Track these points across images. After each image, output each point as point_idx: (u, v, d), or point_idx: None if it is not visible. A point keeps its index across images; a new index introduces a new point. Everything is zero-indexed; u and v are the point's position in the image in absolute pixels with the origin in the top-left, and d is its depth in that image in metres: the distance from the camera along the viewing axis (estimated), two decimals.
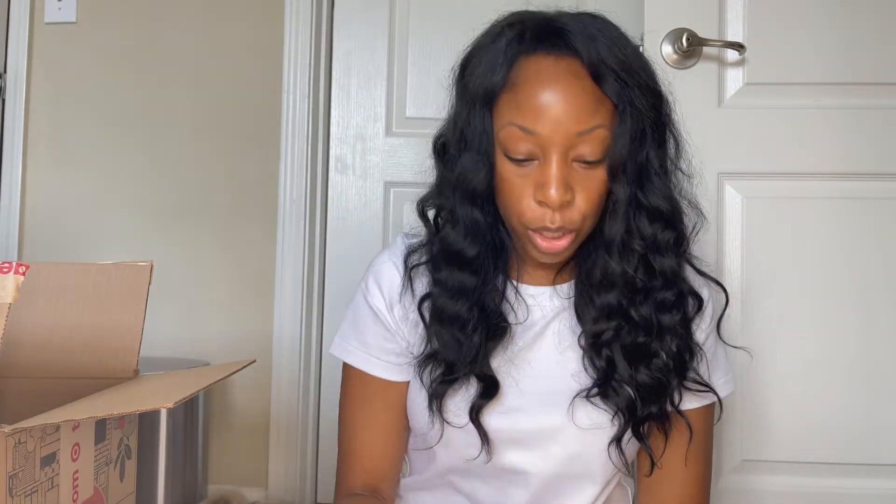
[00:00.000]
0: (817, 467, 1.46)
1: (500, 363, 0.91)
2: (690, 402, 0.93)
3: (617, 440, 0.90)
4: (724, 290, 0.96)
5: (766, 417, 1.46)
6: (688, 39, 1.45)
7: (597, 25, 0.85)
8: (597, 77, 0.81)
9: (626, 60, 0.83)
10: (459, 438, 0.91)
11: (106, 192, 1.85)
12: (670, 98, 0.90)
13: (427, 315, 0.91)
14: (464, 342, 0.89)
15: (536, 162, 0.82)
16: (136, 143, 1.84)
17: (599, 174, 0.83)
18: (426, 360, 0.91)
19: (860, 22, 1.46)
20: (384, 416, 0.97)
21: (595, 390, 0.89)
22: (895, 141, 1.45)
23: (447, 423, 0.91)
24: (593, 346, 0.90)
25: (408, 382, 0.96)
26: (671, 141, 0.90)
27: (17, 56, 1.85)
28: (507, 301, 0.91)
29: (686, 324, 0.91)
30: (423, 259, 0.93)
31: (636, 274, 0.87)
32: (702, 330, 0.94)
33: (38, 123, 1.87)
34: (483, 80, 0.85)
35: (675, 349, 0.89)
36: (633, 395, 0.88)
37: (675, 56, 1.47)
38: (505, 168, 0.84)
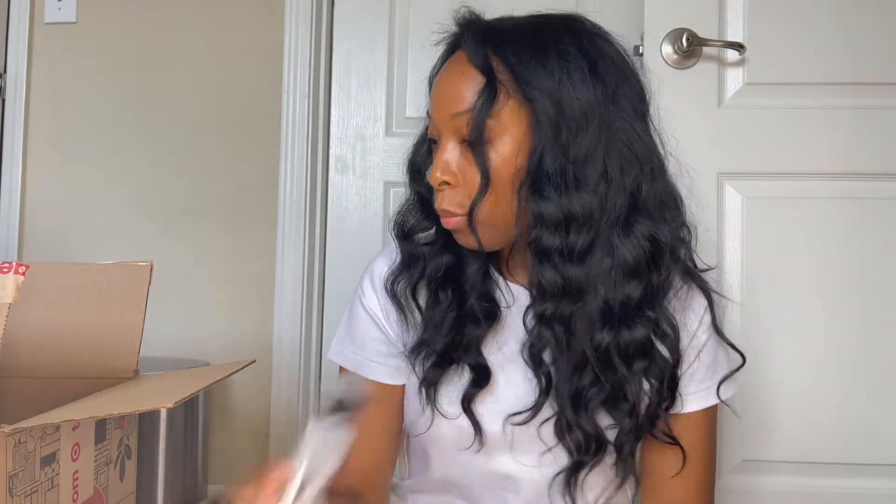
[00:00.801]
0: (817, 467, 1.46)
1: (492, 356, 0.90)
2: (692, 405, 0.93)
3: (567, 477, 0.88)
4: (709, 295, 0.92)
5: (766, 417, 1.46)
6: (688, 39, 1.44)
7: (522, 25, 0.85)
8: (475, 64, 0.82)
9: (527, 56, 0.81)
10: (450, 431, 0.90)
11: (106, 192, 1.85)
12: (650, 96, 0.87)
13: (422, 301, 0.92)
14: (445, 320, 0.89)
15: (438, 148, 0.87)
16: (136, 142, 1.84)
17: (483, 155, 0.81)
18: (417, 347, 0.91)
19: (860, 22, 1.46)
20: (376, 420, 0.95)
21: (544, 418, 0.87)
22: (895, 141, 1.45)
23: (439, 413, 0.90)
24: (532, 357, 0.87)
25: (403, 386, 0.96)
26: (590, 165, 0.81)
27: (17, 56, 1.85)
28: (496, 286, 0.91)
29: (654, 362, 0.86)
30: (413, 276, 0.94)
31: (546, 281, 0.82)
32: (702, 330, 0.93)
33: (38, 123, 1.87)
34: (429, 80, 0.93)
35: (646, 392, 0.86)
36: (582, 439, 0.85)
37: (675, 56, 1.47)
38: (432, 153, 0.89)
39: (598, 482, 0.92)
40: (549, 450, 0.89)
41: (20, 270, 0.73)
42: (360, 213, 1.83)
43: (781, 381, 1.46)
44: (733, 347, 0.94)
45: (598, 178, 0.80)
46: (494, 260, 0.93)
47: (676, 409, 0.90)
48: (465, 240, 0.86)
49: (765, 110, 1.47)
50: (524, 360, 0.88)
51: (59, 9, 1.86)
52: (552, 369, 0.86)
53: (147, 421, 1.55)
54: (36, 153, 1.86)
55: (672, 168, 0.88)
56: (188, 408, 1.65)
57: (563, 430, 0.86)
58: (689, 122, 1.46)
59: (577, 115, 0.80)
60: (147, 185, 1.84)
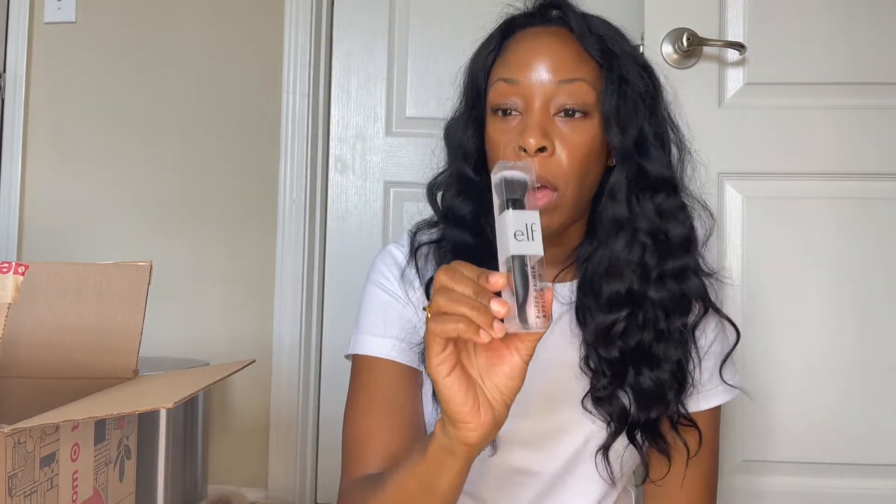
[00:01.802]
0: (817, 467, 1.46)
1: None
2: (698, 405, 0.93)
3: (605, 449, 0.89)
4: (707, 295, 0.92)
5: (766, 417, 1.46)
6: (688, 39, 1.45)
7: (599, 20, 0.90)
8: (581, 39, 0.86)
9: (613, 34, 0.88)
10: None
11: (106, 192, 1.85)
12: (667, 91, 0.92)
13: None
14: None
15: (519, 117, 0.85)
16: (136, 142, 1.84)
17: (585, 130, 0.84)
18: None
19: (860, 22, 1.46)
20: (394, 401, 0.91)
21: (590, 395, 0.88)
22: (895, 141, 1.45)
23: None
24: (606, 339, 0.87)
25: (421, 374, 0.94)
26: (668, 129, 0.91)
27: (17, 56, 1.85)
28: None
29: (688, 333, 0.89)
30: (429, 238, 0.94)
31: (644, 254, 0.86)
32: (711, 329, 0.94)
33: (38, 123, 1.87)
34: (479, 56, 0.91)
35: (676, 363, 0.88)
36: (627, 403, 0.87)
37: (675, 56, 1.47)
38: (492, 126, 0.87)
39: (628, 458, 0.92)
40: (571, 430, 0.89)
41: (20, 270, 0.73)
42: (360, 213, 1.83)
43: (781, 381, 1.46)
44: (730, 322, 0.94)
45: (668, 151, 0.90)
46: None
47: (691, 392, 0.91)
48: (553, 219, 0.85)
49: (765, 110, 1.47)
50: (589, 342, 0.89)
51: (59, 9, 1.86)
52: (618, 344, 0.87)
53: (147, 421, 1.55)
54: (36, 153, 1.86)
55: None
56: (188, 408, 1.65)
57: (609, 397, 0.87)
58: (690, 122, 1.45)
59: (650, 98, 0.88)
60: (147, 184, 1.84)
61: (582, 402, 0.89)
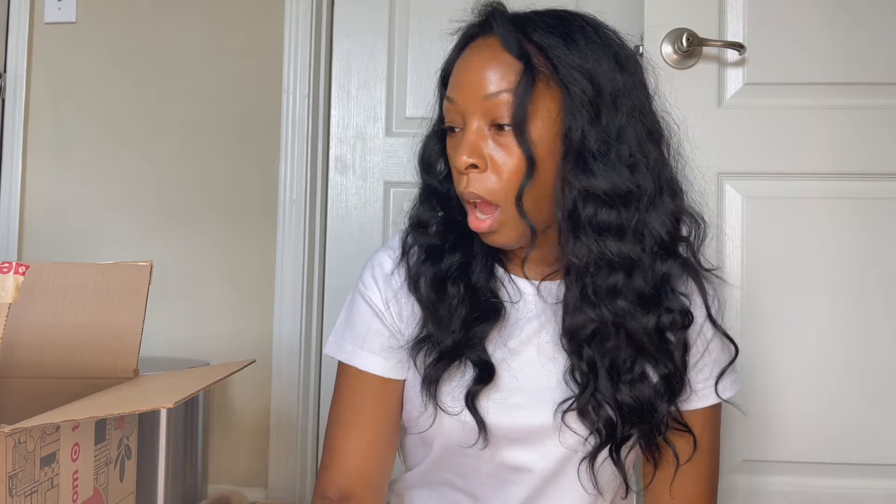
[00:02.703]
0: (817, 467, 1.46)
1: (496, 352, 0.90)
2: (698, 402, 0.93)
3: (590, 459, 0.89)
4: (703, 287, 0.91)
5: (765, 417, 1.46)
6: (688, 39, 1.45)
7: (545, 16, 0.87)
8: (506, 45, 0.83)
9: (561, 40, 0.83)
10: (453, 427, 0.90)
11: (106, 192, 1.85)
12: (653, 91, 0.89)
13: (424, 295, 0.91)
14: (454, 317, 0.88)
15: (462, 133, 0.85)
16: (136, 143, 1.85)
17: (513, 143, 0.82)
18: (420, 342, 0.91)
19: (860, 22, 1.46)
20: (374, 416, 0.94)
21: (573, 404, 0.87)
22: (894, 141, 1.45)
23: (442, 409, 0.90)
24: (573, 344, 0.87)
25: (403, 382, 0.95)
26: (633, 128, 0.85)
27: (17, 56, 1.85)
28: (500, 283, 0.92)
29: (673, 347, 0.88)
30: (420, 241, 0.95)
31: (589, 262, 0.83)
32: (708, 327, 0.93)
33: (38, 123, 1.87)
34: (443, 70, 0.92)
35: (665, 372, 0.87)
36: (612, 416, 0.86)
37: (675, 56, 1.47)
38: (447, 144, 0.89)
39: (611, 475, 0.92)
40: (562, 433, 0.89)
41: (20, 270, 0.73)
42: (360, 213, 1.83)
43: (781, 381, 1.46)
44: (727, 338, 0.93)
45: (632, 156, 0.83)
46: (497, 257, 0.93)
47: (685, 398, 0.91)
48: (497, 239, 0.86)
49: (765, 110, 1.47)
50: (563, 346, 0.88)
51: (59, 9, 1.86)
52: (589, 350, 0.87)
53: (147, 421, 1.55)
54: (36, 153, 1.86)
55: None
56: (188, 408, 1.65)
57: (594, 409, 0.86)
58: (689, 122, 1.46)
59: (611, 97, 0.83)
60: (147, 185, 1.84)
61: (563, 415, 0.88)
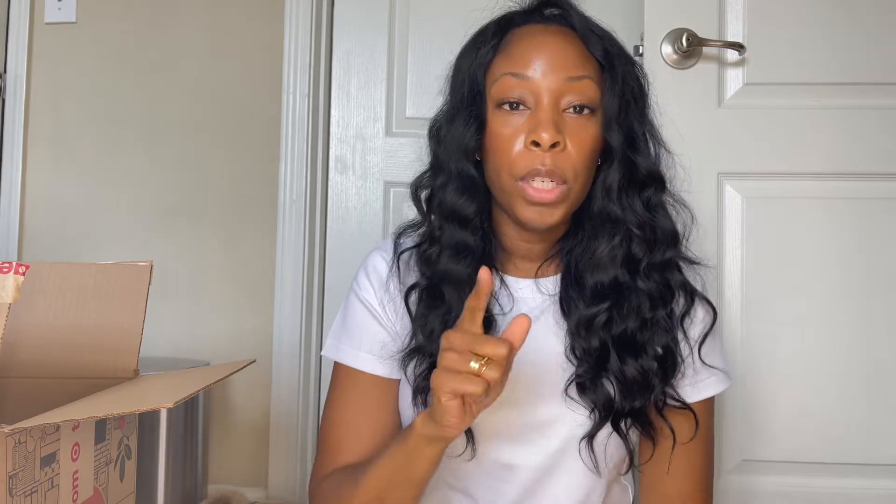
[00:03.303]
0: (817, 467, 1.46)
1: None
2: (689, 396, 0.93)
3: (590, 437, 0.90)
4: (688, 283, 0.95)
5: (765, 417, 1.46)
6: (688, 39, 1.45)
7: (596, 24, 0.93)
8: (584, 39, 0.88)
9: (609, 35, 0.91)
10: None
11: (106, 192, 1.85)
12: (651, 91, 0.95)
13: (413, 307, 0.93)
14: (441, 327, 0.89)
15: (528, 112, 0.86)
16: (136, 143, 1.84)
17: (590, 127, 0.87)
18: (411, 353, 0.92)
19: (860, 22, 1.46)
20: (370, 414, 0.95)
21: (575, 382, 0.90)
22: (894, 141, 1.45)
23: None
24: (588, 330, 0.89)
25: (398, 381, 0.96)
26: (655, 128, 0.95)
27: (17, 56, 1.85)
28: (494, 295, 0.92)
29: (674, 324, 0.91)
30: (414, 242, 0.96)
31: (632, 246, 0.89)
32: (699, 319, 0.94)
33: (38, 123, 1.87)
34: (474, 52, 0.91)
35: (661, 351, 0.90)
36: (612, 391, 0.88)
37: (675, 56, 1.47)
38: (496, 122, 0.88)
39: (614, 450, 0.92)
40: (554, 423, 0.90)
41: (20, 270, 0.73)
42: (360, 213, 1.83)
43: (781, 381, 1.46)
44: (707, 302, 0.95)
45: (655, 148, 0.93)
46: (494, 262, 0.94)
47: (680, 376, 0.92)
48: (555, 214, 0.87)
49: (765, 110, 1.47)
50: (573, 333, 0.91)
51: (59, 9, 1.86)
52: (602, 333, 0.90)
53: (147, 421, 1.55)
54: (36, 153, 1.86)
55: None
56: (188, 408, 1.65)
57: (594, 385, 0.89)
58: (689, 122, 1.46)
59: (641, 98, 0.93)
60: (147, 184, 1.84)
61: (566, 390, 0.90)
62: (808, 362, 1.46)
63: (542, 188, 0.85)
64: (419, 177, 0.98)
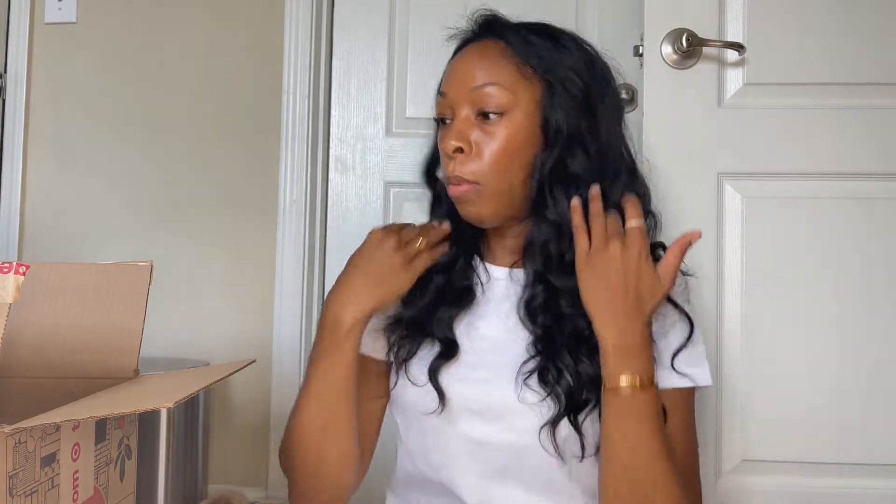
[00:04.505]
0: (817, 467, 1.46)
1: (464, 333, 0.98)
2: (668, 382, 0.93)
3: (552, 426, 0.91)
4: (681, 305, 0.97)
5: (765, 417, 1.46)
6: (688, 39, 1.45)
7: (534, 24, 0.99)
8: (512, 46, 0.94)
9: (552, 42, 0.96)
10: (417, 392, 0.96)
11: (106, 192, 1.85)
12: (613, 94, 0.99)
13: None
14: (425, 297, 0.99)
15: (451, 123, 0.96)
16: (136, 143, 1.85)
17: (503, 127, 0.93)
18: (394, 322, 1.00)
19: (860, 22, 1.46)
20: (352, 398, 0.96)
21: (533, 368, 0.92)
22: (894, 141, 1.45)
23: (410, 381, 0.97)
24: (528, 311, 0.95)
25: (383, 365, 1.02)
26: (612, 129, 0.97)
27: (17, 56, 1.85)
28: (475, 271, 1.02)
29: None
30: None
31: (548, 241, 0.94)
32: (671, 312, 0.95)
33: (38, 123, 1.87)
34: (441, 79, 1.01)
35: None
36: (571, 383, 0.91)
37: (675, 56, 1.47)
38: (438, 137, 0.99)
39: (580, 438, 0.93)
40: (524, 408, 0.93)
41: (20, 270, 0.73)
42: (360, 213, 1.83)
43: (781, 381, 1.46)
44: (685, 314, 0.96)
45: (607, 147, 0.96)
46: (478, 248, 1.03)
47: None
48: (472, 209, 0.95)
49: (765, 110, 1.47)
50: (520, 317, 0.96)
51: (59, 9, 1.86)
52: (544, 319, 0.95)
53: (147, 421, 1.55)
54: (36, 153, 1.86)
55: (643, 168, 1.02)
56: (188, 408, 1.65)
57: (553, 375, 0.92)
58: (690, 122, 1.46)
59: (591, 93, 0.95)
60: (147, 184, 1.84)
61: (526, 379, 0.92)
62: (808, 362, 1.46)
63: (455, 187, 0.95)
64: (429, 158, 1.07)
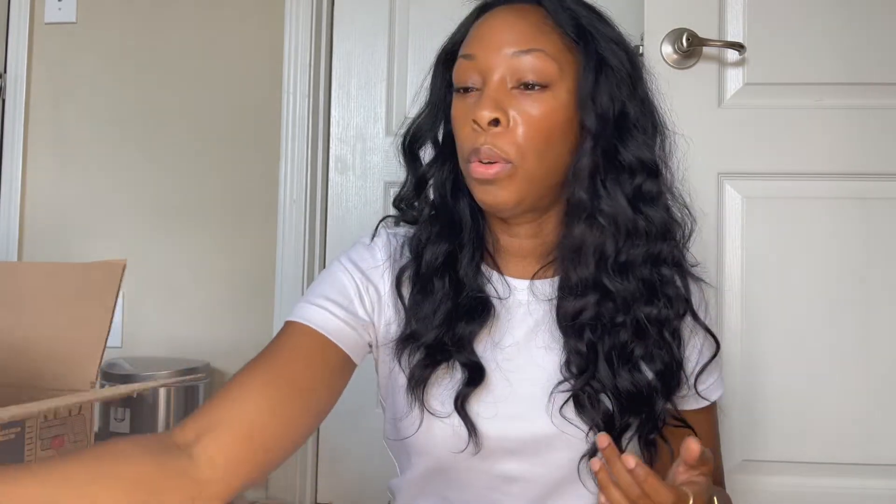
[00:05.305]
0: (817, 467, 1.45)
1: (486, 353, 0.86)
2: (687, 404, 0.92)
3: (590, 457, 0.83)
4: (686, 295, 0.88)
5: (765, 417, 1.46)
6: (688, 39, 1.44)
7: None
8: (551, 12, 0.83)
9: (590, 13, 0.85)
10: (444, 433, 0.84)
11: (106, 192, 1.85)
12: (653, 79, 0.89)
13: (406, 290, 0.87)
14: (438, 312, 0.84)
15: (478, 93, 0.82)
16: (136, 143, 1.85)
17: (544, 103, 0.80)
18: (406, 340, 0.85)
19: (860, 22, 1.46)
20: (297, 381, 0.80)
21: (572, 400, 0.83)
22: (895, 141, 1.45)
23: (429, 412, 0.84)
24: (574, 326, 0.84)
25: (349, 364, 0.85)
26: (654, 115, 0.88)
27: (17, 56, 1.85)
28: (487, 280, 0.88)
29: (672, 332, 0.85)
30: (405, 231, 0.94)
31: (606, 241, 0.83)
32: (697, 327, 0.90)
33: (38, 123, 1.87)
34: (448, 43, 0.89)
35: (661, 366, 0.85)
36: (610, 406, 0.83)
37: (675, 56, 1.47)
38: (455, 106, 0.85)
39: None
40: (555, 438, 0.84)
41: None
42: (360, 213, 1.83)
43: (781, 381, 1.46)
44: (710, 333, 0.90)
45: (653, 133, 0.86)
46: (486, 252, 0.90)
47: (681, 395, 0.88)
48: (498, 193, 0.81)
49: (765, 110, 1.47)
50: (559, 333, 0.85)
51: (59, 9, 1.86)
52: (590, 334, 0.84)
53: (148, 421, 1.54)
54: (36, 153, 1.86)
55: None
56: (188, 408, 1.65)
57: (591, 400, 0.83)
58: (689, 122, 1.45)
59: (630, 80, 0.84)
60: (147, 184, 1.84)
61: (561, 409, 0.83)
62: (808, 362, 1.46)
63: (484, 165, 0.81)
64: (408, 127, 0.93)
